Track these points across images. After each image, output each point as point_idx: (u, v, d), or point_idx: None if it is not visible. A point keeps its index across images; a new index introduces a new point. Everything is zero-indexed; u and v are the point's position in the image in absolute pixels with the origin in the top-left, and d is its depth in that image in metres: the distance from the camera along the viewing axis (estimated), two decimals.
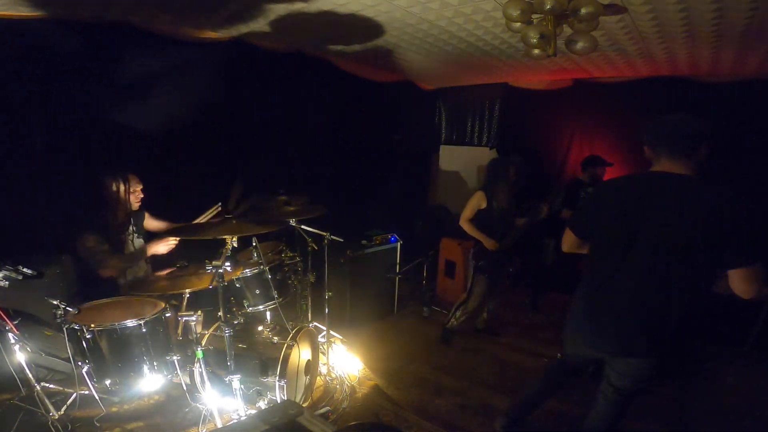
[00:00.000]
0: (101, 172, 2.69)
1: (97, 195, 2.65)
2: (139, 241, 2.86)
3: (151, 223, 2.97)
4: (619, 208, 1.77)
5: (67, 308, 2.00)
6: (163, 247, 2.74)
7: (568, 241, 2.05)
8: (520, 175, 3.49)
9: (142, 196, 2.79)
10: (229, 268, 2.13)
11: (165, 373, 2.20)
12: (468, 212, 3.49)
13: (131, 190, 2.71)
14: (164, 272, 2.64)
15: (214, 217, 2.86)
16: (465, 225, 3.48)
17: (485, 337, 3.80)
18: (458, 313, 3.63)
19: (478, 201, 3.46)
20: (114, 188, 2.64)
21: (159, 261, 2.94)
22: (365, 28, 3.21)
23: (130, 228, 2.82)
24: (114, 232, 2.67)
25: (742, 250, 1.63)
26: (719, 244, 1.62)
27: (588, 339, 1.99)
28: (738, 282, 1.67)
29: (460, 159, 5.60)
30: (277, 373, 2.32)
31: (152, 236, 2.94)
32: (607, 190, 1.94)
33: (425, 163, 6.01)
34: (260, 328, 2.68)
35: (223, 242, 2.35)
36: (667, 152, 1.78)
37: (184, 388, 2.32)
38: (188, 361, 2.32)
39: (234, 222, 2.29)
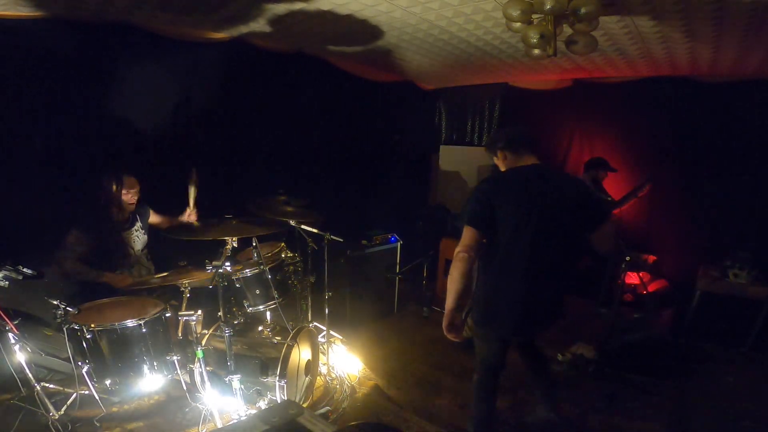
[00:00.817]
0: (97, 172, 2.70)
1: (93, 194, 2.66)
2: (143, 238, 2.88)
3: (153, 218, 3.01)
4: (516, 197, 1.99)
5: (67, 308, 2.01)
6: (119, 281, 2.64)
7: (468, 239, 1.96)
8: None
9: (138, 196, 2.79)
10: (229, 268, 2.13)
11: (165, 373, 2.21)
12: None
13: (125, 191, 2.71)
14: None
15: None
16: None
17: None
18: (469, 320, 3.60)
19: None
20: (108, 188, 2.66)
21: (161, 261, 2.95)
22: (365, 28, 3.21)
23: (137, 224, 2.86)
24: (110, 230, 2.68)
25: (598, 210, 2.11)
26: (584, 209, 2.04)
27: (513, 326, 2.10)
28: (600, 239, 2.10)
29: (460, 159, 5.59)
30: (277, 373, 2.32)
31: (154, 232, 2.95)
32: (498, 186, 2.06)
33: (425, 163, 6.00)
34: (260, 328, 2.68)
35: (223, 242, 2.35)
36: (528, 150, 2.13)
37: (184, 388, 2.32)
38: (188, 361, 2.32)
39: (234, 222, 2.29)
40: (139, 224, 2.89)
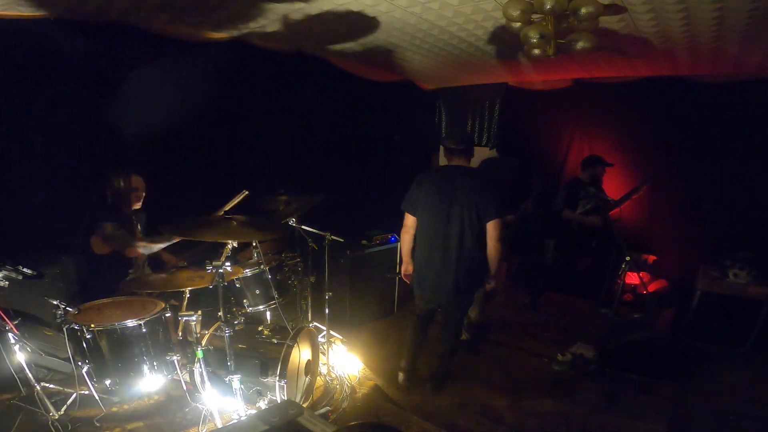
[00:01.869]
0: (105, 169, 2.71)
1: (101, 192, 2.67)
2: None
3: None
4: (438, 190, 2.69)
5: (67, 308, 2.01)
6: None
7: (408, 222, 2.88)
8: (515, 175, 3.50)
9: (144, 195, 2.80)
10: (229, 268, 2.13)
11: (165, 373, 2.21)
12: None
13: (133, 188, 2.72)
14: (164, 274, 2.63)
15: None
16: None
17: (485, 338, 3.80)
18: (465, 322, 3.61)
19: None
20: (117, 185, 2.67)
21: (158, 263, 2.94)
22: (365, 28, 3.21)
23: (138, 227, 2.84)
24: (124, 221, 2.70)
25: (487, 211, 2.61)
26: (485, 204, 2.61)
27: (432, 286, 2.81)
28: (489, 232, 2.63)
29: None
30: (277, 373, 2.32)
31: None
32: (427, 179, 2.78)
33: (425, 163, 6.00)
34: (260, 328, 2.68)
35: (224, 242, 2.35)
36: (457, 154, 2.77)
37: (184, 388, 2.32)
38: (188, 361, 2.32)
39: (234, 225, 2.29)
40: (139, 227, 2.88)
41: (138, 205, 2.82)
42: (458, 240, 2.65)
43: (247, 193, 2.76)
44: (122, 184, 2.69)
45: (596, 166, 4.21)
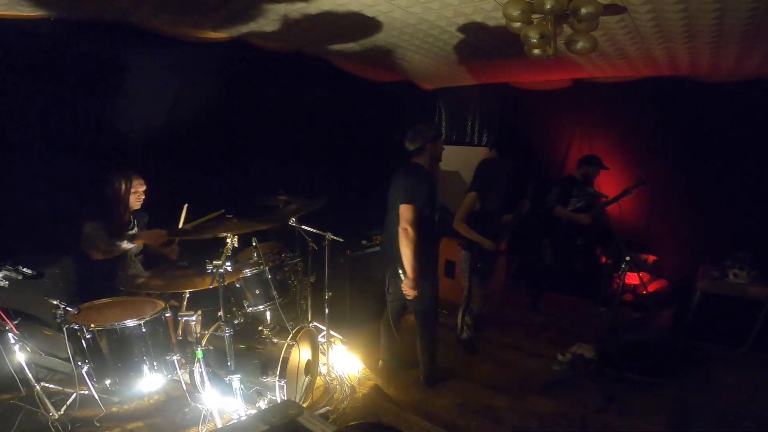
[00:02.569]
0: (105, 169, 2.70)
1: (100, 192, 2.66)
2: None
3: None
4: (391, 187, 2.86)
5: (67, 308, 2.01)
6: (155, 238, 2.73)
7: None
8: (511, 177, 3.50)
9: (144, 196, 2.79)
10: (229, 268, 2.13)
11: (165, 373, 2.21)
12: (462, 214, 3.49)
13: (133, 190, 2.72)
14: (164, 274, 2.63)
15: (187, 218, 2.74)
16: (460, 227, 3.48)
17: (485, 338, 3.80)
18: (467, 319, 3.62)
19: (472, 202, 3.46)
20: (116, 186, 2.66)
21: (152, 261, 2.94)
22: (365, 28, 3.21)
23: (135, 229, 2.83)
24: (116, 228, 2.68)
25: (404, 191, 2.68)
26: (401, 192, 2.71)
27: (389, 280, 2.97)
28: (400, 217, 2.66)
29: (460, 159, 5.59)
30: (277, 373, 2.32)
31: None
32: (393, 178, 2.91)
33: None
34: (260, 328, 2.68)
35: (224, 242, 2.35)
36: (415, 154, 2.88)
37: (184, 388, 2.32)
38: (188, 361, 2.32)
39: (234, 221, 2.29)
40: (137, 229, 2.86)
41: (137, 206, 2.81)
42: (394, 231, 2.72)
43: (186, 205, 2.74)
44: (123, 185, 2.68)
45: (591, 165, 4.21)
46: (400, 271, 2.72)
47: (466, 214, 3.47)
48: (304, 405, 2.52)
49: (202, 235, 2.29)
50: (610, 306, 4.26)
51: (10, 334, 2.03)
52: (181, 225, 2.65)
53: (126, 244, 2.66)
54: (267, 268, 2.57)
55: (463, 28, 3.19)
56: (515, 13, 2.28)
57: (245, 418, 2.02)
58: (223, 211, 2.69)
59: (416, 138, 2.87)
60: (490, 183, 3.43)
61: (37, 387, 2.08)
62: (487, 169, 3.51)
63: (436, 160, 2.99)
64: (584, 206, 4.16)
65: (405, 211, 2.64)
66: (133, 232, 2.83)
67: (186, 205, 2.73)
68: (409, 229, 2.62)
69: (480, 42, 3.52)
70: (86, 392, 2.15)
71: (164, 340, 2.20)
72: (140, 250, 2.92)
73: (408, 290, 2.72)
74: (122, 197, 2.69)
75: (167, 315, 2.22)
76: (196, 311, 2.35)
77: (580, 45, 2.44)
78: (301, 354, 2.54)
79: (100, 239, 2.58)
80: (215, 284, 2.14)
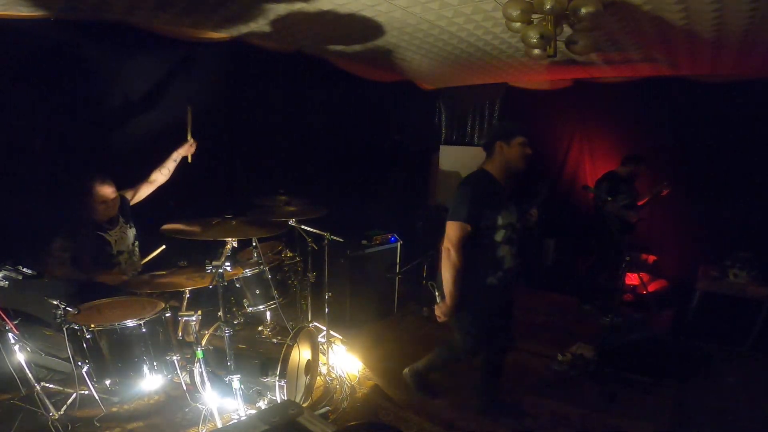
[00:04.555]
0: (79, 176, 2.64)
1: (75, 199, 2.61)
2: (131, 231, 2.83)
3: (138, 194, 2.92)
4: None
5: (67, 308, 2.00)
6: (114, 280, 2.57)
7: None
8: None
9: (117, 201, 2.71)
10: (229, 268, 2.13)
11: (165, 373, 2.20)
12: None
13: (101, 200, 2.60)
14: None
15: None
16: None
17: None
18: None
19: None
20: (87, 193, 2.58)
21: (161, 261, 2.93)
22: (365, 28, 3.21)
23: (120, 222, 2.77)
24: (91, 234, 2.63)
25: (451, 207, 2.30)
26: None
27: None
28: (445, 233, 2.29)
29: (460, 159, 5.59)
30: (277, 373, 2.32)
31: (144, 216, 2.88)
32: None
33: (425, 163, 6.00)
34: (260, 328, 2.68)
35: (223, 242, 2.35)
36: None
37: (184, 388, 2.32)
38: (188, 361, 2.32)
39: (234, 224, 2.29)
40: (122, 220, 2.78)
41: (114, 212, 2.70)
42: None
43: (164, 247, 2.75)
44: (94, 193, 2.57)
45: (640, 164, 4.08)
46: (437, 293, 2.39)
47: None
48: (304, 405, 2.52)
49: (203, 237, 2.27)
50: (593, 303, 4.27)
51: (10, 334, 2.03)
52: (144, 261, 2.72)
53: (86, 276, 2.54)
54: (267, 267, 2.57)
55: (463, 28, 3.19)
56: (515, 13, 2.28)
57: (245, 418, 2.02)
58: (164, 247, 2.74)
59: (485, 136, 2.51)
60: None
61: (37, 387, 2.08)
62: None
63: (511, 167, 2.36)
64: (629, 204, 4.05)
65: (448, 229, 2.27)
66: (129, 228, 2.82)
67: (163, 247, 2.74)
68: (452, 250, 2.23)
69: (480, 42, 3.52)
70: (86, 392, 2.15)
71: (164, 340, 2.20)
72: (135, 237, 2.86)
73: (440, 314, 2.37)
74: (92, 204, 2.58)
75: (167, 315, 2.22)
76: (196, 311, 2.35)
77: (580, 45, 2.45)
78: (301, 354, 2.54)
79: (61, 262, 2.49)
80: (215, 284, 2.14)
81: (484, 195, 2.27)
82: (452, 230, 2.23)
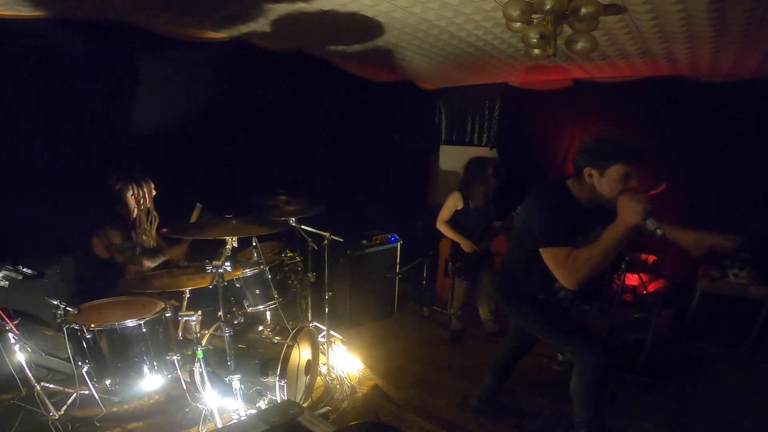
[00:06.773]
0: (105, 169, 2.70)
1: (112, 195, 2.66)
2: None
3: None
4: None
5: (67, 308, 2.01)
6: (180, 253, 2.79)
7: None
8: (498, 175, 3.47)
9: (155, 192, 2.82)
10: (229, 268, 2.13)
11: (165, 372, 2.21)
12: (445, 213, 3.49)
13: (145, 194, 2.73)
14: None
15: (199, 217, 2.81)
16: (441, 226, 3.49)
17: (487, 338, 3.79)
18: (453, 318, 3.70)
19: (454, 202, 3.46)
20: (131, 191, 2.67)
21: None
22: (365, 28, 3.21)
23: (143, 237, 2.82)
24: (131, 230, 2.69)
25: (540, 233, 1.96)
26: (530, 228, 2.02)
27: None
28: (547, 264, 1.96)
29: (460, 159, 5.55)
30: (277, 373, 2.32)
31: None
32: None
33: (425, 163, 6.00)
34: (260, 328, 2.68)
35: (223, 242, 2.35)
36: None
37: (184, 388, 2.32)
38: (188, 361, 2.32)
39: (234, 222, 2.29)
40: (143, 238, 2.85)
41: (150, 205, 2.80)
42: (508, 258, 2.36)
43: (200, 205, 2.78)
44: (137, 190, 2.68)
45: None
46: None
47: (449, 213, 3.47)
48: (304, 405, 2.52)
49: (203, 237, 2.28)
50: (593, 303, 4.27)
51: (10, 334, 2.03)
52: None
53: (150, 262, 2.69)
54: (267, 268, 2.57)
55: (463, 28, 3.19)
56: (515, 13, 2.28)
57: (245, 418, 2.02)
58: (200, 205, 2.76)
59: (585, 151, 1.98)
60: (473, 181, 3.43)
61: (37, 387, 2.08)
62: (471, 167, 3.51)
63: (600, 192, 1.96)
64: None
65: (548, 258, 1.94)
66: (153, 243, 2.85)
67: (199, 205, 2.77)
68: (571, 278, 1.88)
69: (480, 42, 3.52)
70: (86, 392, 2.14)
71: (164, 340, 2.20)
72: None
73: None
74: (139, 201, 2.70)
75: (167, 315, 2.22)
76: (196, 311, 2.35)
77: (580, 45, 2.45)
78: (301, 354, 2.54)
79: (125, 251, 2.61)
80: (215, 283, 2.14)
81: (565, 210, 1.97)
82: (554, 256, 1.92)
